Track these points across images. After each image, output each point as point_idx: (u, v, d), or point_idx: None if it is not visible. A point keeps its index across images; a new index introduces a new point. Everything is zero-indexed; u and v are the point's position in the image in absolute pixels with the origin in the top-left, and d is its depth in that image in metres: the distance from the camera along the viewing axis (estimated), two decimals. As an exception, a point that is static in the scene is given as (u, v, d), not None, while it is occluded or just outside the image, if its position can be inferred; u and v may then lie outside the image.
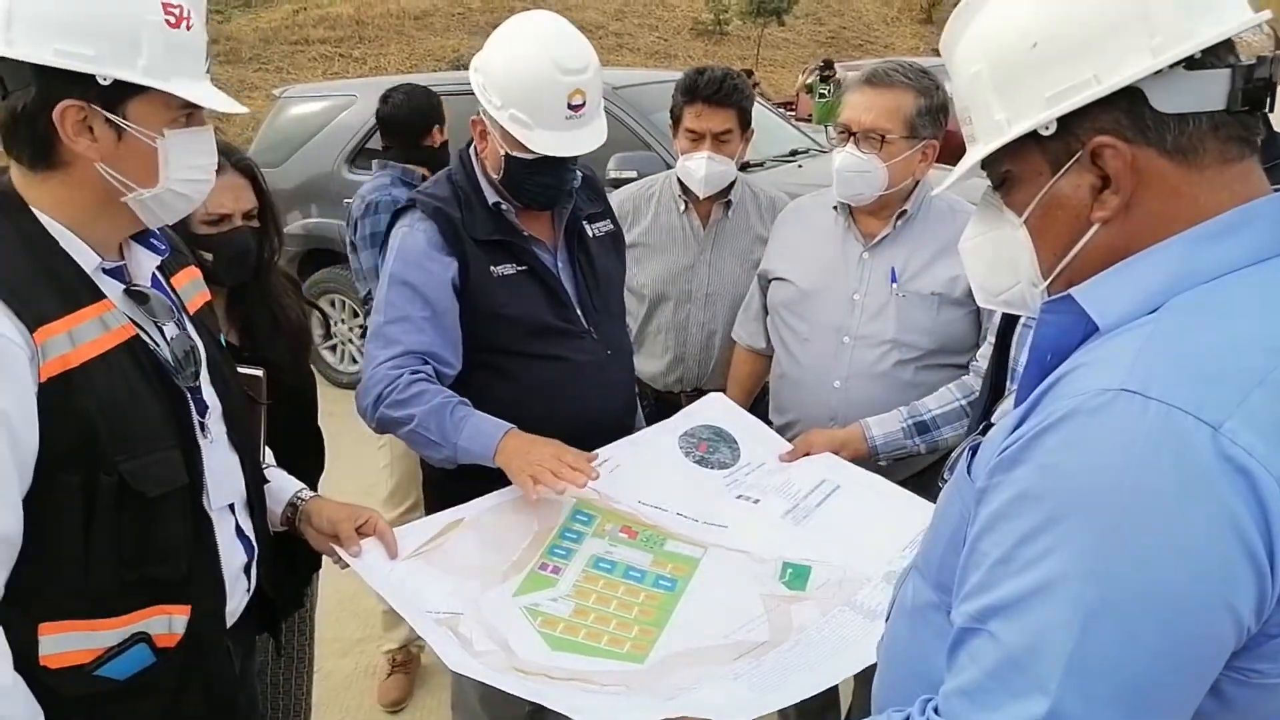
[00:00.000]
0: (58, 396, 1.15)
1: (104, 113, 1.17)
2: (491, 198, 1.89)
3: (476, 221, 1.87)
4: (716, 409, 2.10)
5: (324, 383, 5.76)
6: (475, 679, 1.37)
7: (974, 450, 0.94)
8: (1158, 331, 0.77)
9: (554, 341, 1.92)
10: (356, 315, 5.76)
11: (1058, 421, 0.76)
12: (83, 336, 1.18)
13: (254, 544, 1.49)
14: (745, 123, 2.33)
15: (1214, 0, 0.81)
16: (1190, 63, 0.79)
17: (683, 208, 2.45)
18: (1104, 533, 0.72)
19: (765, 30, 24.03)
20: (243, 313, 1.88)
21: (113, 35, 1.15)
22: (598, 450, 1.85)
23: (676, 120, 2.35)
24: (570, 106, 1.77)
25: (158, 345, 1.30)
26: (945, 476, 1.53)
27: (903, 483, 1.89)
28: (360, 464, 4.72)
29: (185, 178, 1.26)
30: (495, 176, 1.88)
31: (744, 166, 2.39)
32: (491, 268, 1.87)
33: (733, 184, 2.41)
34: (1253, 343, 0.75)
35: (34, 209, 1.21)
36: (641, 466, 1.90)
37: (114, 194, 1.22)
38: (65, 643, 1.21)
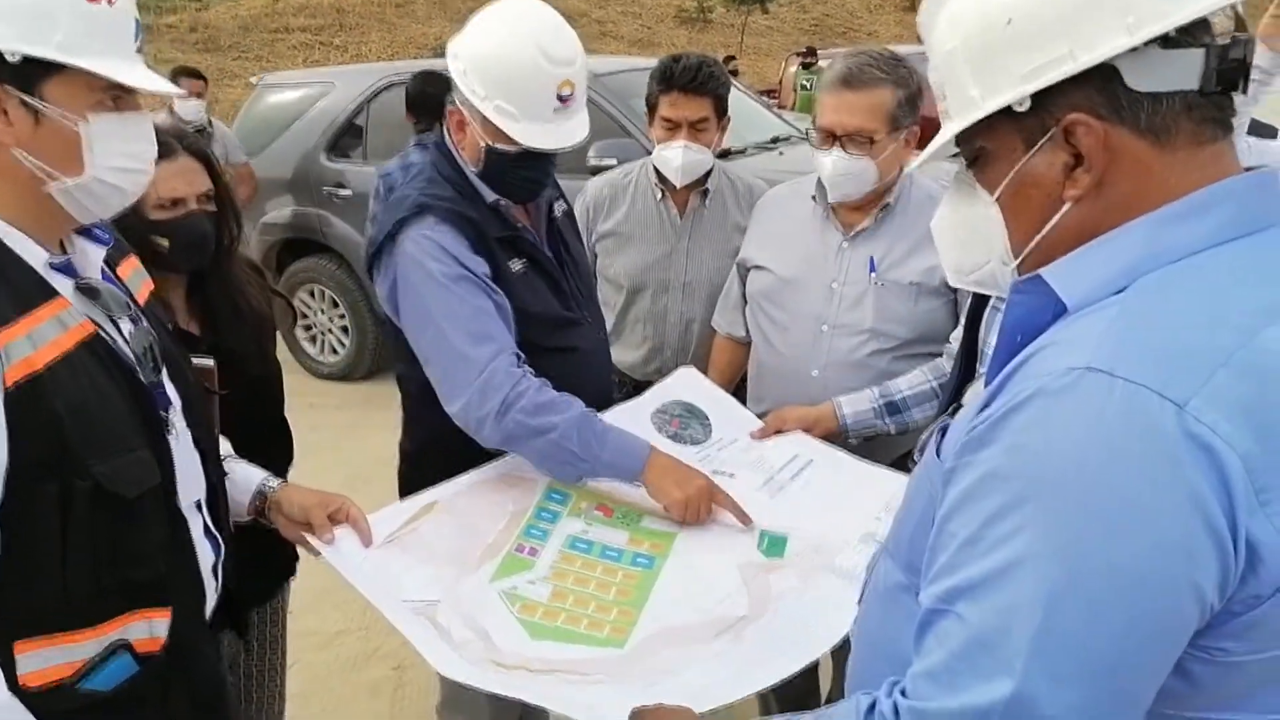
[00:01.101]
0: (25, 403, 1.10)
1: (18, 94, 1.11)
2: (489, 196, 1.81)
3: (485, 219, 1.78)
4: (688, 383, 2.09)
5: (305, 374, 5.78)
6: (459, 681, 1.34)
7: (943, 431, 0.94)
8: (1124, 311, 0.77)
9: (565, 332, 1.89)
10: (337, 305, 5.73)
11: (1025, 401, 0.76)
12: (42, 337, 1.13)
13: (220, 541, 1.45)
14: (722, 111, 2.32)
15: None
16: (1165, 41, 0.79)
17: (659, 196, 2.44)
18: (1069, 512, 0.72)
19: (749, 18, 23.99)
20: (202, 301, 1.82)
21: (23, 10, 1.09)
22: None
23: (652, 108, 2.33)
24: (559, 98, 1.70)
25: (115, 341, 1.25)
26: (915, 458, 1.54)
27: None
28: (341, 456, 4.71)
29: (115, 166, 1.19)
30: (474, 169, 1.80)
31: (725, 153, 2.38)
32: (508, 264, 1.80)
33: (709, 172, 2.40)
34: (1219, 322, 0.75)
35: None
36: None
37: (39, 183, 1.16)
38: (44, 659, 1.17)
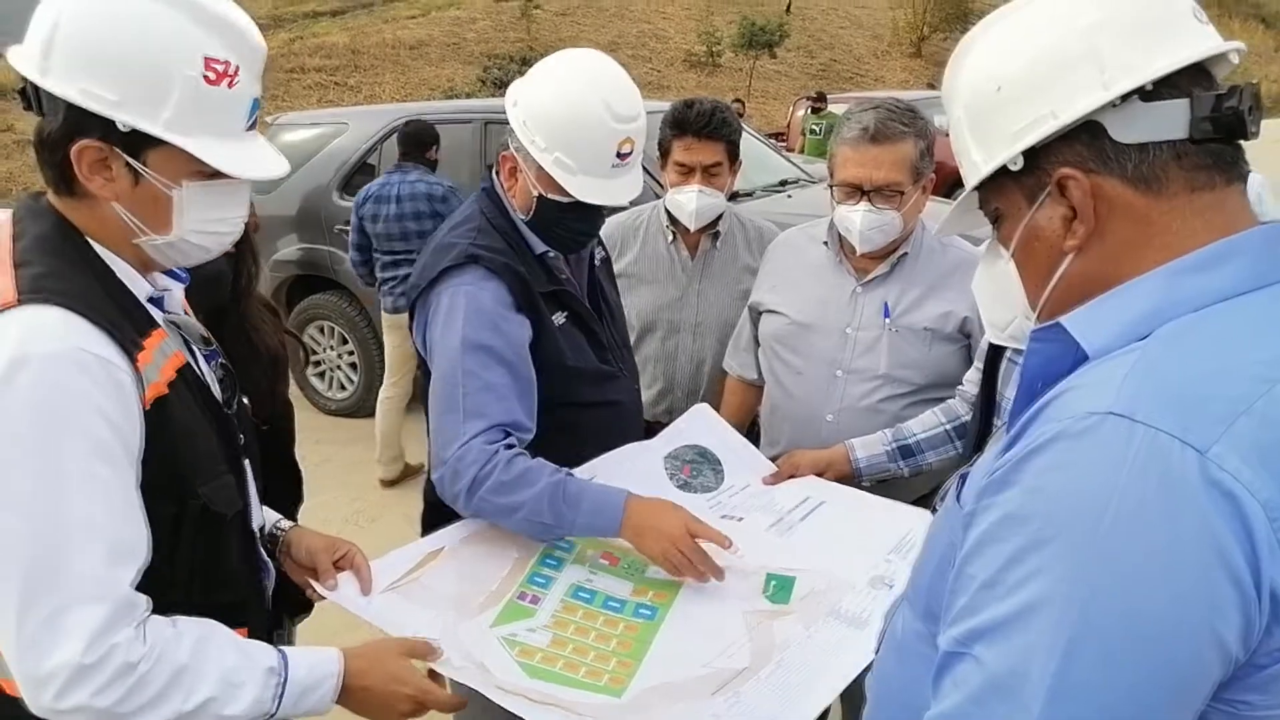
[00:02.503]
0: (155, 424, 1.16)
1: (123, 156, 1.16)
2: (538, 247, 1.79)
3: (534, 273, 1.75)
4: (702, 424, 2.07)
5: (312, 410, 5.79)
6: (454, 678, 1.35)
7: (963, 479, 0.94)
8: (1145, 357, 0.78)
9: (604, 386, 1.88)
10: (345, 342, 5.75)
11: (1045, 444, 0.76)
12: (156, 365, 1.19)
13: (271, 568, 1.51)
14: (734, 155, 2.34)
15: (1171, 32, 0.84)
16: (1146, 94, 0.82)
17: (671, 238, 2.45)
18: (1088, 556, 0.71)
19: (757, 62, 24.31)
20: (218, 340, 1.84)
21: (141, 83, 1.13)
22: (582, 466, 1.78)
23: (665, 153, 2.35)
24: (618, 155, 1.69)
25: (200, 372, 1.31)
26: (936, 506, 1.53)
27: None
28: (347, 492, 4.72)
29: (202, 230, 1.24)
30: (523, 216, 1.78)
31: (733, 196, 2.39)
32: (553, 318, 1.78)
33: (721, 215, 2.42)
34: (1239, 371, 0.75)
35: (87, 237, 1.21)
36: (623, 486, 1.89)
37: (131, 234, 1.22)
38: None
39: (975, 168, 0.93)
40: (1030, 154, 0.87)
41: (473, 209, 1.83)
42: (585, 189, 1.68)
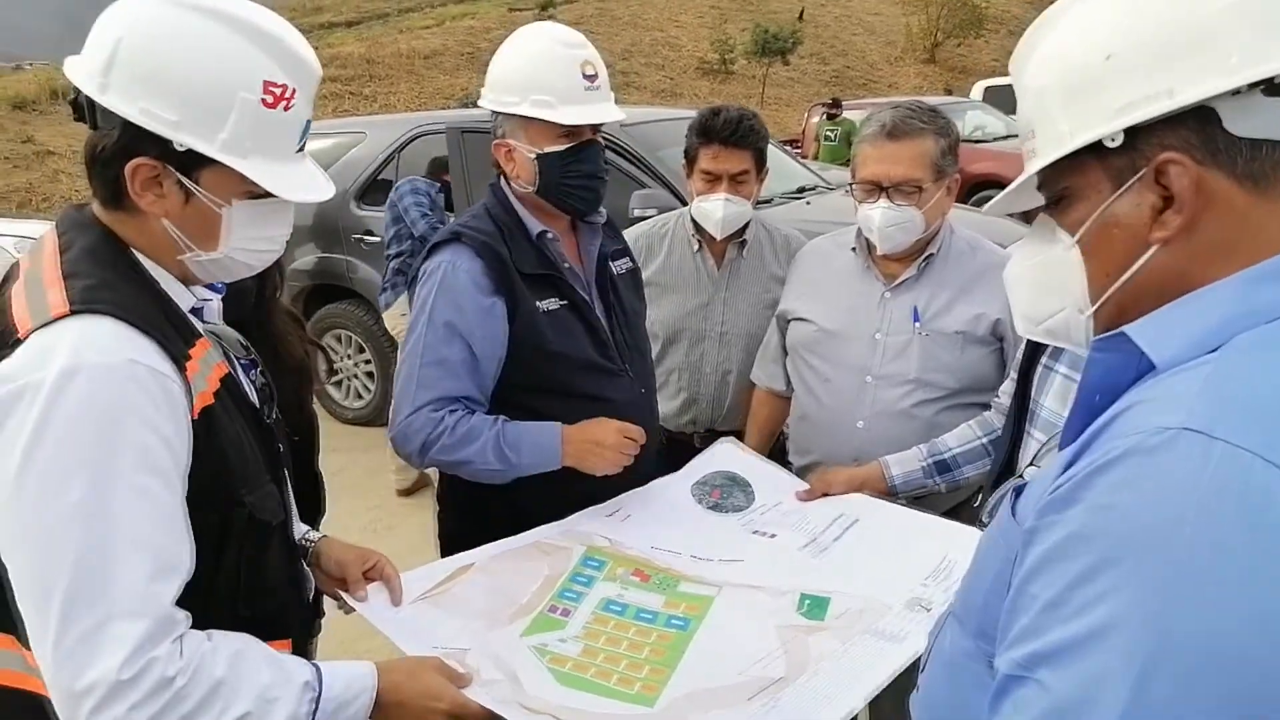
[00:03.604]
0: (203, 433, 1.16)
1: (176, 174, 1.17)
2: (535, 227, 1.87)
3: (522, 254, 1.84)
4: (728, 456, 2.07)
5: (329, 419, 5.79)
6: (480, 703, 1.33)
7: (1018, 492, 0.90)
8: (1220, 370, 0.74)
9: (596, 380, 1.89)
10: (363, 351, 5.75)
11: (1114, 460, 0.73)
12: (202, 375, 1.20)
13: (311, 578, 1.52)
14: (761, 163, 2.32)
15: None
16: (1269, 88, 0.77)
17: (696, 247, 2.43)
18: (1165, 578, 0.68)
19: (770, 69, 24.31)
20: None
21: (200, 105, 1.14)
22: (608, 502, 1.85)
23: (691, 161, 2.33)
24: (585, 76, 1.79)
25: (241, 382, 1.32)
26: (984, 520, 1.50)
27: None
28: (365, 500, 4.71)
29: (248, 247, 1.26)
30: (530, 189, 1.85)
31: (753, 204, 2.37)
32: (538, 303, 1.83)
33: (747, 223, 2.39)
34: None
35: (131, 249, 1.21)
36: (654, 515, 1.87)
37: (178, 250, 1.23)
38: None
39: (1061, 138, 0.85)
40: (1129, 133, 0.80)
41: (481, 202, 1.95)
42: (570, 115, 1.77)
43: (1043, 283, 0.95)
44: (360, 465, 5.09)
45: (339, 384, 5.92)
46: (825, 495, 1.91)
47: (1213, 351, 0.76)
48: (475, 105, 1.98)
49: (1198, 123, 0.79)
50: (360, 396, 5.86)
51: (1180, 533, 0.68)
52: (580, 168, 1.84)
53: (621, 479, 1.85)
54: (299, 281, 5.92)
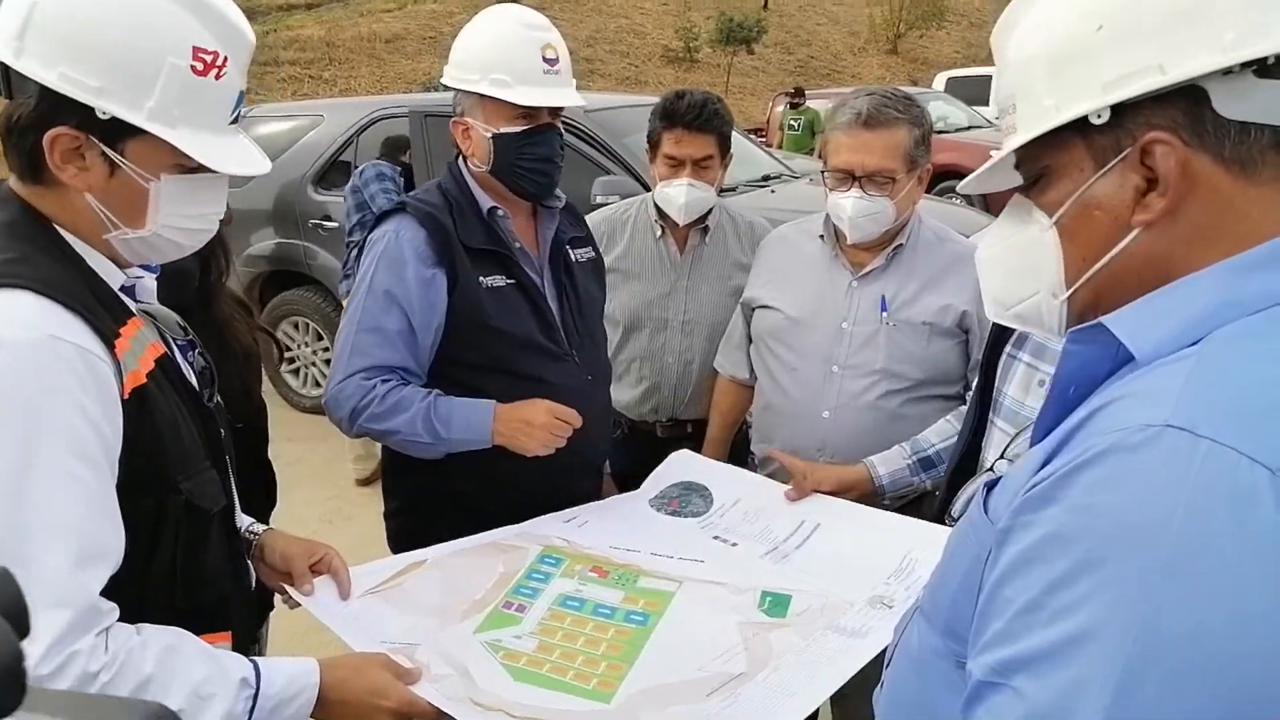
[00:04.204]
0: (135, 415, 1.11)
1: (100, 145, 1.11)
2: (486, 203, 1.85)
3: (469, 229, 1.83)
4: (683, 465, 2.06)
5: (286, 407, 5.69)
6: (429, 701, 1.29)
7: (989, 487, 0.88)
8: (1203, 364, 0.71)
9: (537, 361, 1.86)
10: (321, 339, 5.66)
11: (1094, 458, 0.70)
12: (134, 354, 1.14)
13: (252, 570, 1.47)
14: (725, 148, 2.28)
15: None
16: (1262, 69, 0.74)
17: (659, 233, 2.39)
18: (1149, 581, 0.65)
19: (734, 58, 24.30)
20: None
21: (126, 71, 1.08)
22: (565, 510, 1.84)
23: (654, 145, 2.29)
24: (545, 60, 1.79)
25: (180, 364, 1.27)
26: (953, 516, 1.48)
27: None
28: (323, 489, 4.63)
29: (178, 225, 1.20)
30: (485, 168, 1.84)
31: (718, 192, 2.34)
32: (481, 278, 1.81)
33: (710, 209, 2.36)
34: None
35: (54, 225, 1.15)
36: (612, 519, 1.85)
37: (103, 228, 1.16)
38: None
39: (1045, 113, 0.82)
40: (1115, 110, 0.77)
41: (436, 179, 1.95)
42: (525, 95, 1.77)
43: (1016, 265, 0.91)
44: (318, 454, 5.00)
45: (296, 372, 5.82)
46: (816, 491, 1.88)
47: (1195, 344, 0.73)
48: (438, 89, 1.95)
49: (1187, 102, 0.75)
50: (318, 384, 5.76)
51: (1166, 533, 0.65)
52: (534, 150, 1.83)
53: (570, 468, 1.85)
54: (255, 267, 5.81)
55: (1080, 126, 0.80)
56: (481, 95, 1.79)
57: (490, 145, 1.82)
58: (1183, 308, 0.76)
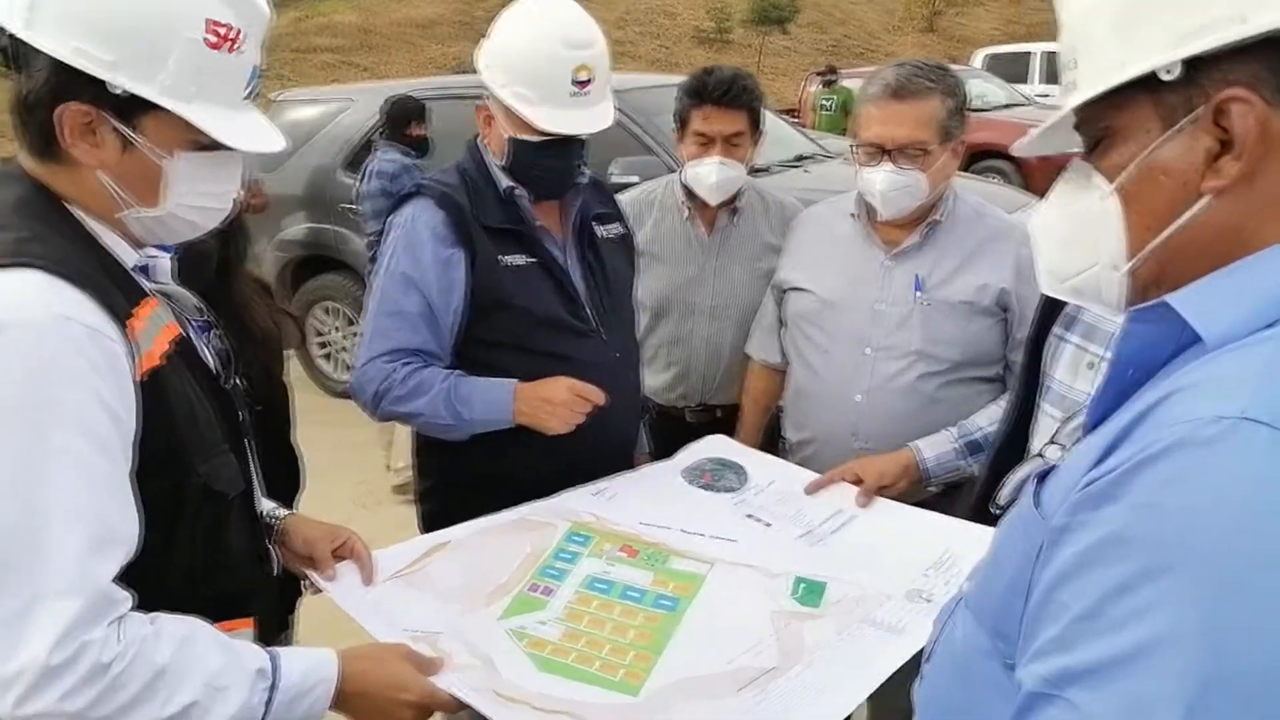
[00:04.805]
0: (150, 396, 1.09)
1: (113, 120, 1.08)
2: (504, 183, 1.83)
3: (487, 209, 1.82)
4: (718, 445, 2.03)
5: (319, 392, 5.71)
6: (451, 693, 1.27)
7: (1040, 478, 0.82)
8: None
9: (561, 338, 1.84)
10: (352, 324, 5.67)
11: (1160, 453, 0.64)
12: (149, 335, 1.12)
13: (275, 557, 1.45)
14: (756, 124, 2.21)
15: None
16: None
17: (686, 215, 2.33)
18: (1224, 591, 0.59)
19: (767, 38, 24.06)
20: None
21: (139, 44, 1.06)
22: (594, 482, 1.80)
23: (683, 123, 2.22)
24: (575, 83, 1.73)
25: (196, 345, 1.25)
26: (999, 504, 1.42)
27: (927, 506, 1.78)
28: (353, 474, 4.64)
29: (192, 204, 1.17)
30: (500, 163, 1.84)
31: (751, 172, 2.28)
32: (500, 257, 1.80)
33: (740, 190, 2.29)
34: None
35: (65, 203, 1.13)
36: (642, 493, 1.82)
37: (116, 206, 1.14)
38: None
39: (1106, 71, 0.75)
40: (1189, 65, 0.70)
41: (456, 161, 1.93)
42: (545, 118, 1.73)
43: (1074, 235, 0.84)
44: (349, 440, 5.01)
45: (328, 356, 5.84)
46: (858, 482, 1.82)
47: (1272, 326, 0.67)
48: (466, 72, 1.93)
49: (1269, 55, 0.68)
50: (349, 369, 5.76)
51: (1242, 538, 0.59)
52: (550, 163, 1.81)
53: (600, 446, 1.82)
54: (287, 252, 5.84)
55: (1148, 83, 0.73)
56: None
57: (508, 145, 1.81)
58: (1258, 286, 0.69)
